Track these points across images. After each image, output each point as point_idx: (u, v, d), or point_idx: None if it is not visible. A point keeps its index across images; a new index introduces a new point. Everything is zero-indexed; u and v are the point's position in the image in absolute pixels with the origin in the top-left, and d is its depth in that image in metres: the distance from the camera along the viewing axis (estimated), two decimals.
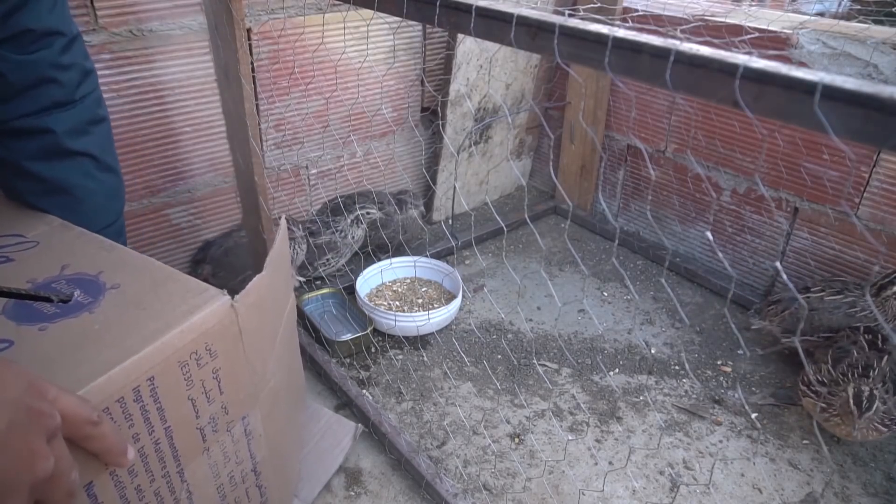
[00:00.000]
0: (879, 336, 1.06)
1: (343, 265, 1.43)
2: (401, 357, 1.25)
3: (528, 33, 0.50)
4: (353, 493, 0.97)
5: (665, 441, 1.08)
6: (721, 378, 1.22)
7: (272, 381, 0.74)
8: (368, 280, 1.38)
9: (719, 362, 1.26)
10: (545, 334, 1.33)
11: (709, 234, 1.55)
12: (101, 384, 0.53)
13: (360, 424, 1.05)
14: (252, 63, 1.25)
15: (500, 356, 1.26)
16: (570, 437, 1.08)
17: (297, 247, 1.30)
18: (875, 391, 0.94)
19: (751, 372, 1.23)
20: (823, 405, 0.99)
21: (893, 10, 1.30)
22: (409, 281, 1.43)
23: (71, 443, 0.47)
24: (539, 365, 1.24)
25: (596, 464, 1.03)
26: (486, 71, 1.55)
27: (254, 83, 1.14)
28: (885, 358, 1.00)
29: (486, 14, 0.53)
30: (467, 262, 1.58)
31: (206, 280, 1.29)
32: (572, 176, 1.74)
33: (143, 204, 1.26)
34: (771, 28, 1.25)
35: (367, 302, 1.30)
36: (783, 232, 1.36)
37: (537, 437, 1.08)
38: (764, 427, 1.11)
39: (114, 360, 0.54)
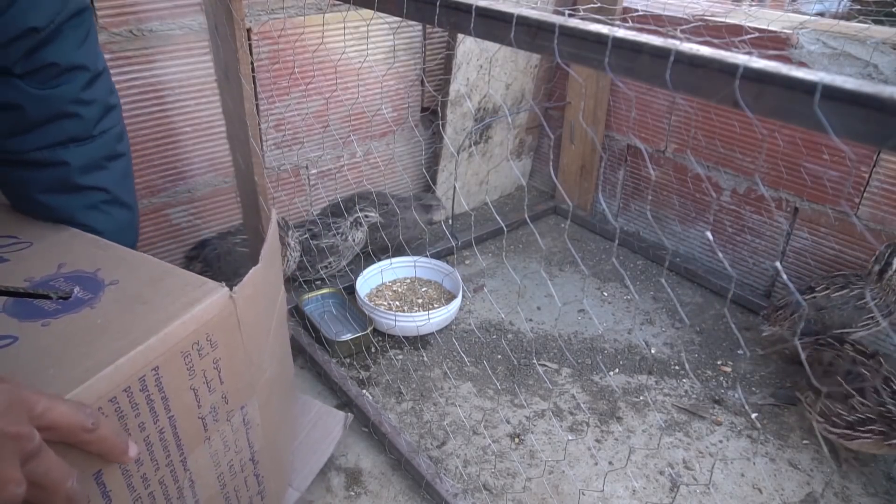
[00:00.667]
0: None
1: (344, 266, 1.43)
2: (401, 357, 1.25)
3: (528, 33, 0.50)
4: (353, 493, 0.97)
5: (665, 441, 1.08)
6: (721, 378, 1.22)
7: (268, 371, 0.75)
8: (368, 280, 1.38)
9: (719, 362, 1.26)
10: (545, 334, 1.33)
11: (709, 234, 1.55)
12: (108, 374, 0.54)
13: (349, 413, 1.05)
14: (252, 63, 1.25)
15: (500, 356, 1.26)
16: (570, 437, 1.08)
17: (289, 253, 1.29)
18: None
19: (751, 372, 1.23)
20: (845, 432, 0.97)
21: (893, 10, 1.30)
22: (409, 281, 1.43)
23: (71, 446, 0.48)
24: (539, 365, 1.24)
25: (596, 464, 1.03)
26: (486, 71, 1.55)
27: (254, 83, 1.14)
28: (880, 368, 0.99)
29: (486, 14, 0.53)
30: (467, 262, 1.58)
31: None
32: (572, 176, 1.74)
33: (143, 204, 1.26)
34: (771, 28, 1.25)
35: (367, 302, 1.30)
36: (783, 232, 1.36)
37: (537, 437, 1.08)
38: (764, 427, 1.11)
39: (119, 352, 0.55)
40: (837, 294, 1.13)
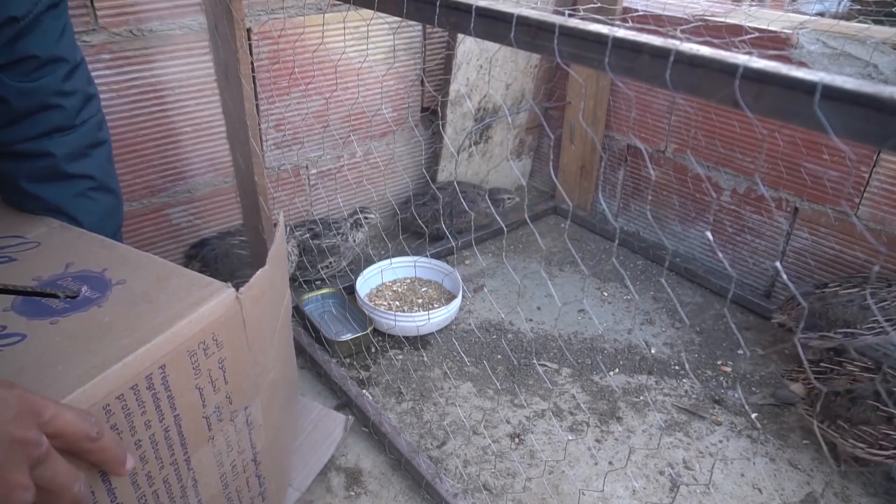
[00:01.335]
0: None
1: (344, 266, 1.43)
2: (401, 357, 1.25)
3: (528, 33, 0.50)
4: (353, 493, 0.97)
5: (665, 441, 1.08)
6: (721, 378, 1.22)
7: (272, 372, 0.75)
8: (368, 280, 1.38)
9: (719, 362, 1.26)
10: (545, 334, 1.33)
11: (709, 234, 1.55)
12: (115, 372, 0.54)
13: (350, 416, 1.05)
14: (252, 63, 1.25)
15: (500, 356, 1.26)
16: (570, 437, 1.08)
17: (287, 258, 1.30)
18: None
19: (751, 372, 1.23)
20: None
21: (893, 10, 1.30)
22: (409, 281, 1.43)
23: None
24: (539, 365, 1.24)
25: (596, 464, 1.03)
26: (486, 71, 1.55)
27: (254, 83, 1.14)
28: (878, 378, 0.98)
29: (486, 14, 0.53)
30: (467, 262, 1.58)
31: None
32: (572, 176, 1.74)
33: (143, 204, 1.26)
34: (771, 28, 1.25)
35: (367, 302, 1.30)
36: (783, 232, 1.36)
37: (537, 437, 1.08)
38: (764, 427, 1.11)
39: (126, 350, 0.56)
40: (846, 292, 1.12)
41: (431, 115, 1.62)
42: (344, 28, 1.35)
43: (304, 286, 1.38)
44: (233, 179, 1.34)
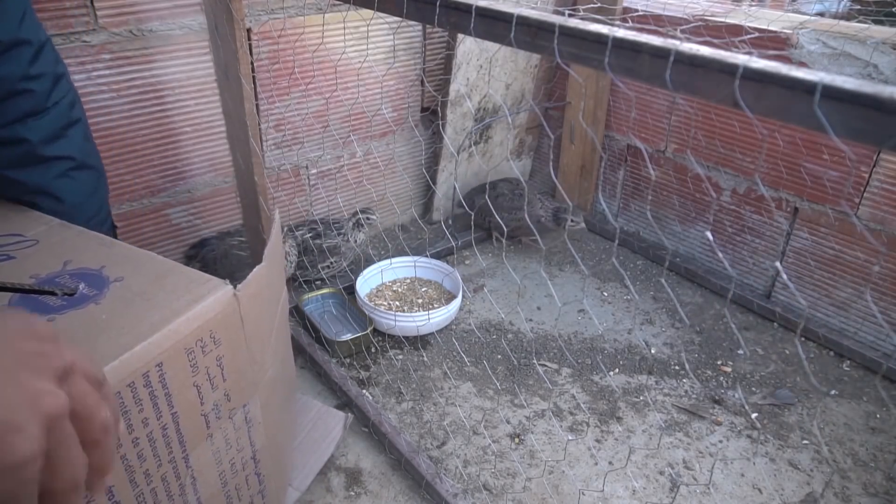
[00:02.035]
0: None
1: (345, 267, 1.43)
2: (401, 357, 1.25)
3: (528, 33, 0.50)
4: (353, 493, 0.97)
5: (665, 441, 1.08)
6: (721, 378, 1.22)
7: (270, 370, 0.75)
8: (368, 280, 1.38)
9: (719, 362, 1.26)
10: (545, 334, 1.33)
11: (709, 234, 1.55)
12: (113, 368, 0.54)
13: (349, 414, 1.05)
14: (252, 63, 1.25)
15: (500, 356, 1.26)
16: (570, 437, 1.08)
17: (286, 259, 1.29)
18: None
19: (751, 372, 1.23)
20: None
21: (893, 10, 1.30)
22: (409, 281, 1.43)
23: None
24: (539, 365, 1.24)
25: (596, 464, 1.03)
26: (486, 71, 1.55)
27: (254, 83, 1.13)
28: None
29: (486, 14, 0.53)
30: (467, 262, 1.58)
31: None
32: (572, 176, 1.74)
33: (143, 204, 1.26)
34: (771, 28, 1.25)
35: (367, 302, 1.30)
36: (783, 232, 1.36)
37: (537, 437, 1.08)
38: (764, 427, 1.11)
39: (124, 347, 0.56)
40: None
41: (431, 115, 1.62)
42: (344, 28, 1.35)
43: (304, 286, 1.38)
44: (233, 179, 1.34)
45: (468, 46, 1.46)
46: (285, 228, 1.36)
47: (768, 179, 1.35)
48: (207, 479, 0.68)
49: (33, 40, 0.76)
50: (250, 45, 1.24)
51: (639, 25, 1.35)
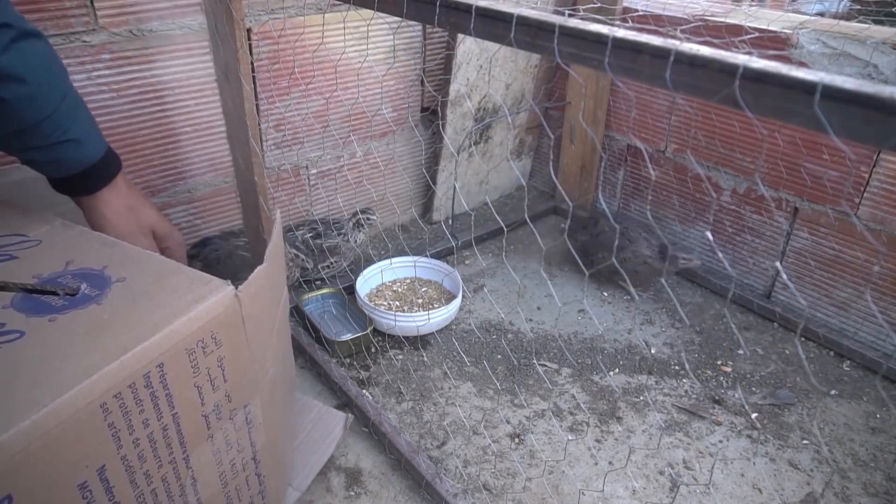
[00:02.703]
0: None
1: (345, 267, 1.43)
2: (401, 357, 1.25)
3: (528, 33, 0.50)
4: (353, 493, 0.97)
5: (665, 441, 1.08)
6: (721, 378, 1.22)
7: (271, 370, 0.75)
8: (368, 280, 1.38)
9: (719, 362, 1.26)
10: (545, 334, 1.33)
11: (709, 234, 1.55)
12: (113, 369, 0.54)
13: (349, 414, 1.05)
14: (252, 63, 1.25)
15: (500, 356, 1.26)
16: (570, 437, 1.08)
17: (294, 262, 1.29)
18: None
19: (751, 372, 1.23)
20: None
21: (893, 10, 1.30)
22: (409, 281, 1.43)
23: None
24: (539, 365, 1.24)
25: (596, 464, 1.03)
26: (486, 71, 1.55)
27: (254, 83, 1.14)
28: None
29: (486, 14, 0.53)
30: (467, 262, 1.58)
31: None
32: (572, 176, 1.74)
33: None
34: (771, 28, 1.25)
35: (367, 302, 1.30)
36: (783, 232, 1.36)
37: (537, 437, 1.08)
38: (764, 427, 1.11)
39: (124, 348, 0.56)
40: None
41: (431, 115, 1.62)
42: (344, 28, 1.35)
43: (304, 286, 1.38)
44: (233, 179, 1.34)
45: (468, 46, 1.46)
46: (293, 226, 1.36)
47: (768, 179, 1.35)
48: (208, 479, 0.68)
49: None
50: (250, 45, 1.24)
51: (639, 25, 1.35)
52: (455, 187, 1.68)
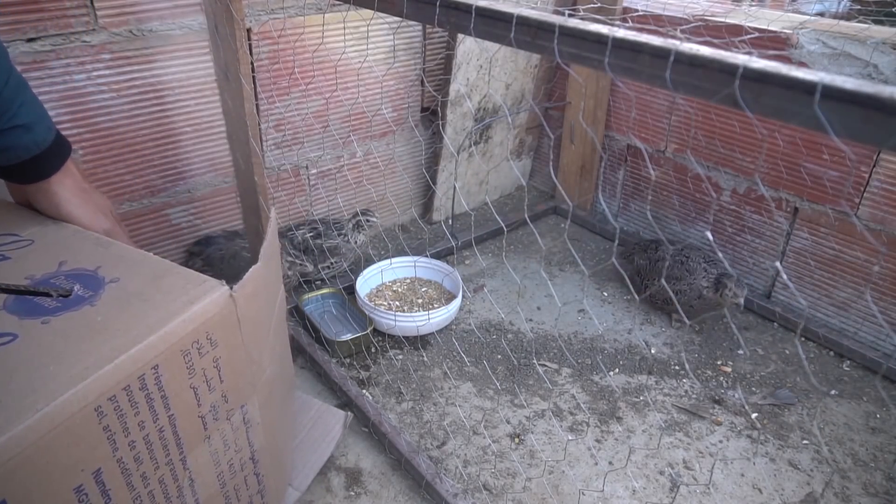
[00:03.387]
0: None
1: (345, 267, 1.43)
2: (401, 357, 1.25)
3: (528, 33, 0.50)
4: (353, 493, 0.97)
5: (665, 441, 1.08)
6: (721, 378, 1.22)
7: (268, 370, 0.75)
8: (368, 280, 1.38)
9: (719, 362, 1.26)
10: (545, 334, 1.33)
11: (709, 234, 1.55)
12: (107, 373, 0.54)
13: (349, 413, 1.05)
14: (252, 63, 1.25)
15: (500, 356, 1.26)
16: (570, 437, 1.08)
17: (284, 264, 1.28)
18: None
19: (751, 372, 1.23)
20: None
21: (893, 10, 1.30)
22: (409, 281, 1.43)
23: None
24: (539, 365, 1.24)
25: (596, 464, 1.03)
26: (486, 71, 1.55)
27: (254, 83, 1.14)
28: None
29: (486, 14, 0.53)
30: (467, 262, 1.58)
31: None
32: (572, 176, 1.74)
33: (143, 204, 1.26)
34: (771, 28, 1.25)
35: (367, 302, 1.30)
36: (783, 232, 1.36)
37: (537, 437, 1.08)
38: (764, 427, 1.11)
39: (119, 350, 0.55)
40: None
41: (431, 115, 1.62)
42: (344, 28, 1.35)
43: (304, 286, 1.38)
44: (233, 179, 1.34)
45: (468, 46, 1.47)
46: (291, 229, 1.36)
47: (768, 179, 1.35)
48: (206, 480, 0.68)
49: None
50: (250, 45, 1.24)
51: (639, 25, 1.35)
52: (455, 187, 1.68)
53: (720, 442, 1.08)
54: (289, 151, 1.41)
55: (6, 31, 1.01)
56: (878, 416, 1.14)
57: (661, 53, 0.41)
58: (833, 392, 1.19)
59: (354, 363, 1.24)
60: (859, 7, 1.45)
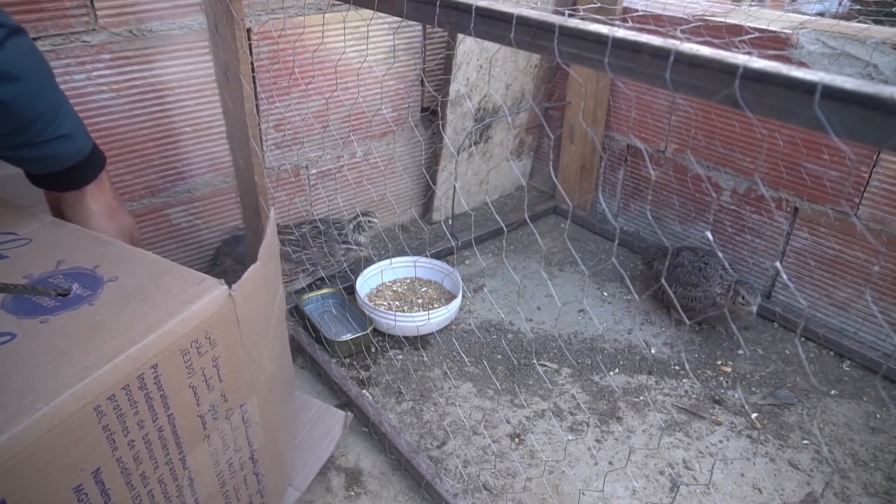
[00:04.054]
0: None
1: (345, 267, 1.43)
2: (401, 357, 1.25)
3: (528, 33, 0.50)
4: (353, 493, 0.97)
5: (665, 441, 1.08)
6: (721, 378, 1.22)
7: (267, 369, 0.75)
8: (368, 280, 1.38)
9: (719, 362, 1.26)
10: (545, 334, 1.33)
11: (709, 234, 1.55)
12: (107, 372, 0.54)
13: (349, 413, 1.05)
14: (252, 63, 1.25)
15: (500, 356, 1.26)
16: (570, 437, 1.08)
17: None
18: None
19: (751, 372, 1.23)
20: None
21: (893, 10, 1.30)
22: (409, 281, 1.43)
23: None
24: (539, 365, 1.24)
25: (596, 464, 1.03)
26: (486, 71, 1.55)
27: (254, 83, 1.14)
28: None
29: (486, 14, 0.53)
30: (467, 262, 1.58)
31: (223, 272, 1.29)
32: (572, 176, 1.74)
33: (143, 204, 1.26)
34: (771, 28, 1.25)
35: (367, 302, 1.30)
36: (783, 232, 1.36)
37: (537, 437, 1.08)
38: (764, 427, 1.11)
39: (118, 349, 0.55)
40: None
41: (431, 115, 1.62)
42: (344, 28, 1.35)
43: (304, 286, 1.38)
44: (233, 179, 1.34)
45: (468, 46, 1.47)
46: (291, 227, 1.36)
47: (768, 179, 1.35)
48: (205, 479, 0.68)
49: None
50: (250, 45, 1.24)
51: (639, 25, 1.35)
52: (455, 187, 1.68)
53: (720, 442, 1.08)
54: (289, 151, 1.41)
55: None
56: (878, 416, 1.14)
57: (661, 53, 0.41)
58: (833, 392, 1.19)
59: (354, 363, 1.24)
60: (859, 7, 1.44)
